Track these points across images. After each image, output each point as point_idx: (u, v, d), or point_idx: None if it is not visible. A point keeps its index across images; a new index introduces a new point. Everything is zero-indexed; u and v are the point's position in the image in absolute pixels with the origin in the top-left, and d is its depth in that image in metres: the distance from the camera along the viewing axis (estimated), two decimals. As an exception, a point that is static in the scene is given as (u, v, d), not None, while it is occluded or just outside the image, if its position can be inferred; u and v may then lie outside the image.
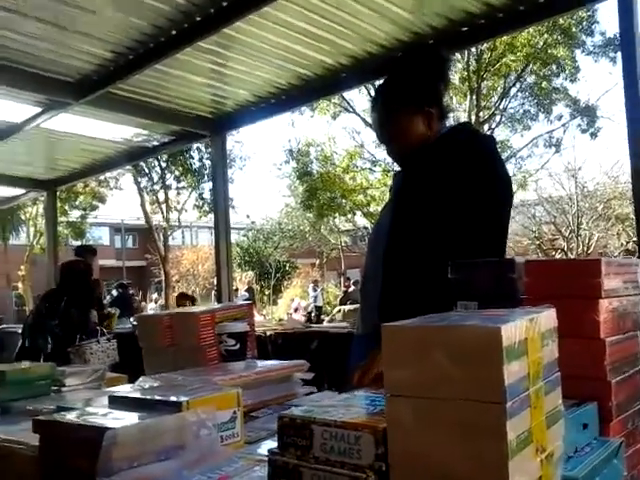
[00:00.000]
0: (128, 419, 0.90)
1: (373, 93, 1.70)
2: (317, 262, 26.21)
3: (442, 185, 1.43)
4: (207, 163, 17.92)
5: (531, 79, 15.78)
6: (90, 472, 0.77)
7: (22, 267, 20.97)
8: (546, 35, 14.14)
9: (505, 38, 12.89)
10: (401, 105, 1.57)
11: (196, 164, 18.83)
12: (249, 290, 16.68)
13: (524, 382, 0.59)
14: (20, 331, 8.52)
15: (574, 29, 14.43)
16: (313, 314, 12.30)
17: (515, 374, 0.57)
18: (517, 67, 15.04)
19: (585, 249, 16.52)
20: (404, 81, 1.60)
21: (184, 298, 9.45)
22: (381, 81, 1.75)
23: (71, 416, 0.94)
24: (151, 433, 0.84)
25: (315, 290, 17.25)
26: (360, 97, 16.89)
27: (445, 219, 1.39)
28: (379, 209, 17.01)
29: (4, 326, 10.26)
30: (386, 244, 1.51)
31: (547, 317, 0.67)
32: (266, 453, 0.71)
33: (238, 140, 19.58)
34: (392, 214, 1.58)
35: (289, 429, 0.66)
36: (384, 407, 0.64)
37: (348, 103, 16.49)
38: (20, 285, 21.60)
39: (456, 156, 1.46)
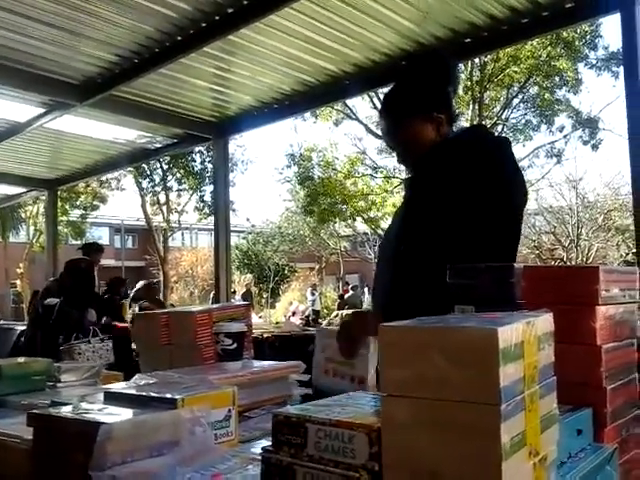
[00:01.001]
0: (123, 415, 0.90)
1: (381, 101, 1.70)
2: (316, 266, 26.19)
3: (448, 187, 1.42)
4: (209, 166, 17.97)
5: (534, 90, 15.82)
6: (84, 466, 0.77)
7: (21, 265, 20.96)
8: (549, 48, 14.20)
9: (509, 50, 12.95)
10: (409, 113, 1.56)
11: (198, 167, 18.87)
12: (247, 293, 16.64)
13: (519, 385, 0.59)
14: (16, 328, 8.53)
15: (577, 42, 14.50)
16: (311, 318, 12.27)
17: (510, 376, 0.57)
18: (520, 78, 15.08)
19: (584, 259, 16.52)
20: (411, 88, 1.60)
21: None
22: (388, 89, 1.74)
23: (66, 410, 0.94)
24: (145, 429, 0.84)
25: (313, 294, 17.23)
26: (363, 104, 16.90)
27: (451, 221, 1.38)
28: (379, 215, 16.85)
29: (2, 322, 10.24)
30: (395, 249, 1.51)
31: (544, 321, 0.67)
32: (260, 452, 0.71)
33: (240, 144, 19.64)
34: (401, 219, 1.58)
35: (283, 427, 0.67)
36: (379, 407, 0.64)
37: (350, 110, 16.53)
38: (19, 282, 21.59)
39: (462, 158, 1.46)
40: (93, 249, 6.72)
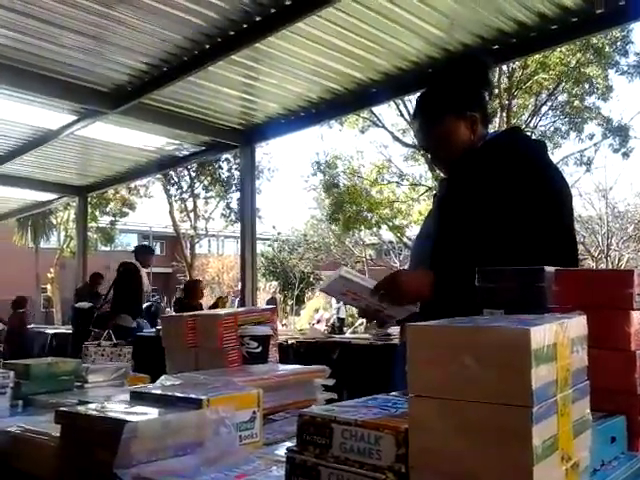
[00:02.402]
0: (148, 414, 0.90)
1: (415, 101, 1.69)
2: (341, 275, 26.07)
3: (488, 191, 1.40)
4: (235, 173, 18.12)
5: (563, 97, 15.61)
6: (109, 463, 0.77)
7: (52, 270, 21.36)
8: (579, 54, 14.02)
9: (537, 56, 12.81)
10: (441, 110, 1.55)
11: (225, 174, 19.04)
12: (272, 300, 16.68)
13: (552, 387, 0.57)
14: (47, 331, 8.71)
15: (607, 49, 14.27)
16: (336, 326, 12.23)
17: (543, 378, 0.55)
18: (549, 85, 14.91)
19: (615, 271, 16.18)
20: (444, 87, 1.60)
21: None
22: (419, 92, 1.74)
23: (92, 408, 0.95)
24: (170, 428, 0.84)
25: (338, 302, 17.17)
26: (389, 112, 16.85)
27: (493, 225, 1.35)
28: (405, 222, 16.62)
29: (32, 326, 10.47)
30: (432, 252, 1.49)
31: (577, 323, 0.65)
32: (284, 454, 0.70)
33: (267, 152, 19.77)
34: (437, 222, 1.56)
35: (309, 427, 0.66)
36: (405, 410, 0.63)
37: (377, 117, 16.50)
38: (49, 287, 22.00)
39: (502, 161, 1.44)
40: (142, 252, 6.66)
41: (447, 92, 1.58)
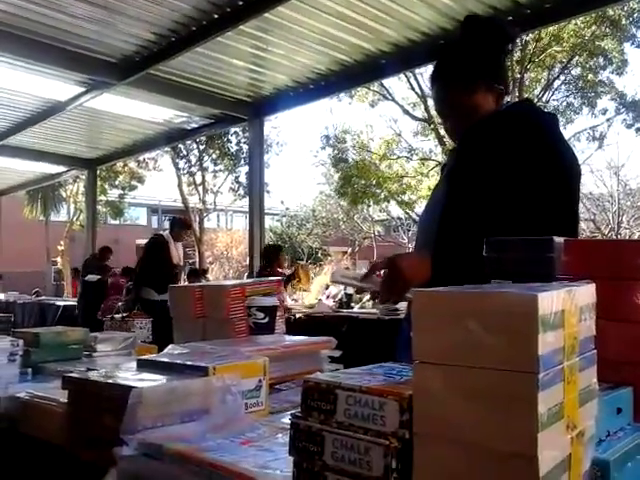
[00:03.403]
0: (154, 380, 0.90)
1: (437, 63, 1.57)
2: (349, 250, 26.18)
3: (497, 161, 1.38)
4: (244, 147, 18.05)
5: (576, 71, 15.35)
6: (116, 429, 0.78)
7: (62, 242, 21.51)
8: (594, 27, 13.73)
9: (551, 29, 12.57)
10: (475, 81, 1.48)
11: (233, 148, 18.96)
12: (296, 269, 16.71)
13: (559, 355, 0.56)
14: (57, 303, 8.80)
15: (624, 21, 13.97)
16: (343, 301, 12.25)
17: (550, 345, 0.54)
18: (562, 58, 14.65)
19: (625, 248, 16.07)
20: (477, 54, 1.49)
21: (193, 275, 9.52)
22: (447, 51, 1.65)
23: (100, 375, 0.95)
24: (176, 395, 0.85)
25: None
26: (399, 85, 16.69)
27: (501, 195, 1.33)
28: (414, 198, 16.40)
29: (43, 298, 10.59)
30: (439, 223, 1.47)
31: (586, 291, 0.64)
32: (289, 422, 0.70)
33: (275, 125, 19.65)
34: (445, 192, 1.53)
35: (313, 393, 0.66)
36: (410, 378, 0.63)
37: (387, 90, 16.33)
38: (59, 260, 22.18)
39: (513, 131, 1.41)
40: (177, 224, 6.34)
41: (481, 61, 1.49)
